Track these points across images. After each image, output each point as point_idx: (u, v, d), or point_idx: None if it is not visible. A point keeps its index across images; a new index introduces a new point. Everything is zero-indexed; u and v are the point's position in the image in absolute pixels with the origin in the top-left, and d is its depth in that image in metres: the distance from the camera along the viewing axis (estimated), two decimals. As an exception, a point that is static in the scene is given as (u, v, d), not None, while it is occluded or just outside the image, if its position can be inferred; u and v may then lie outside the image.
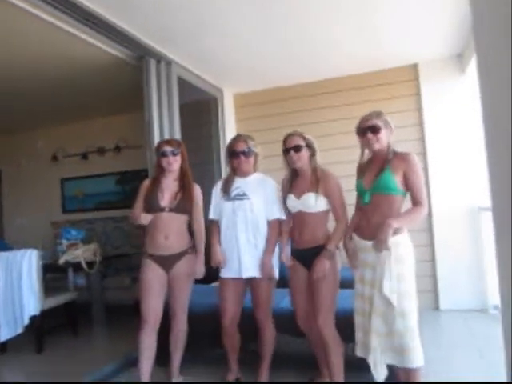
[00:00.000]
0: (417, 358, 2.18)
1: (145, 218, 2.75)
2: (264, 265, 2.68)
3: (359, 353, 2.38)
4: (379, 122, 2.35)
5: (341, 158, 4.56)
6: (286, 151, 2.61)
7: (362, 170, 2.49)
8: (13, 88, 4.59)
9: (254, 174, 2.81)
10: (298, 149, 2.57)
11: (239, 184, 2.77)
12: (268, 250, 2.71)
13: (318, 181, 2.54)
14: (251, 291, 2.78)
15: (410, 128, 4.53)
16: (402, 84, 4.67)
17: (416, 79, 4.62)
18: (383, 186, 2.27)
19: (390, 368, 2.29)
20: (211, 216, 2.86)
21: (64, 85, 4.60)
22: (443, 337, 3.72)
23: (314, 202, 2.52)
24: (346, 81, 4.82)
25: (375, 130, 2.34)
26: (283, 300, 3.06)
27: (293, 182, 2.66)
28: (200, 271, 2.85)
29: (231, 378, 2.88)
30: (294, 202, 2.59)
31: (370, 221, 2.31)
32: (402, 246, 2.23)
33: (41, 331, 3.90)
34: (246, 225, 2.70)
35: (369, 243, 2.28)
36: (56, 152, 6.44)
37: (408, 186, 2.27)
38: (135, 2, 2.99)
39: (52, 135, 6.47)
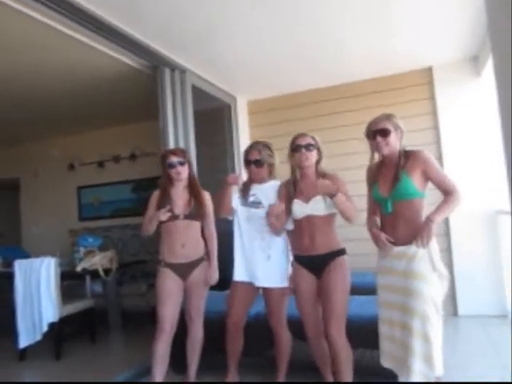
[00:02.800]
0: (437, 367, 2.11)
1: (164, 215, 2.69)
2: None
3: (387, 364, 2.29)
4: (389, 126, 2.29)
5: (354, 164, 4.53)
6: (296, 149, 2.52)
7: (373, 174, 2.42)
8: (29, 98, 4.68)
9: (270, 182, 2.80)
10: (309, 148, 2.51)
11: (256, 191, 2.78)
12: None
13: None
14: (264, 299, 2.77)
15: (425, 132, 4.49)
16: (416, 88, 4.64)
17: (430, 83, 4.59)
18: (404, 192, 2.22)
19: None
20: None
21: (80, 94, 4.68)
22: (462, 343, 3.65)
23: (324, 205, 2.46)
24: (360, 86, 4.81)
25: (384, 133, 2.28)
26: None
27: (296, 187, 2.58)
28: (213, 278, 2.86)
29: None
30: (302, 207, 2.50)
31: (396, 229, 2.25)
32: (434, 254, 2.17)
33: (59, 338, 3.95)
34: (260, 234, 2.70)
35: (395, 249, 2.23)
36: (72, 160, 6.53)
37: (432, 182, 2.22)
38: (149, 12, 3.04)
39: (69, 144, 6.57)
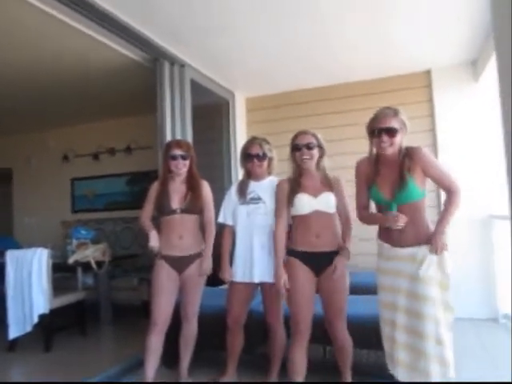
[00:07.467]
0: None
1: (154, 240, 2.75)
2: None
3: (390, 367, 2.25)
4: (396, 124, 2.15)
5: (350, 164, 4.54)
6: (297, 148, 2.47)
7: (368, 171, 2.31)
8: (26, 88, 4.64)
9: (269, 178, 2.81)
10: (310, 147, 2.46)
11: (254, 188, 2.77)
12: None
13: (331, 182, 2.49)
14: (262, 295, 2.76)
15: (422, 134, 4.49)
16: (414, 90, 4.64)
17: (429, 86, 4.60)
18: (410, 196, 2.15)
19: None
20: (220, 220, 2.85)
21: (77, 86, 4.63)
22: (453, 346, 3.66)
23: (333, 203, 2.45)
24: (358, 86, 4.81)
25: (391, 132, 2.13)
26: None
27: (299, 183, 2.51)
28: (206, 267, 2.79)
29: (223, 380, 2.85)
30: (310, 201, 2.43)
31: (402, 230, 2.17)
32: (447, 260, 2.16)
33: (49, 330, 3.92)
34: (261, 229, 2.68)
35: (402, 251, 2.18)
36: (67, 152, 6.49)
37: (432, 179, 2.19)
38: (150, 4, 3.01)
39: (63, 135, 6.53)
